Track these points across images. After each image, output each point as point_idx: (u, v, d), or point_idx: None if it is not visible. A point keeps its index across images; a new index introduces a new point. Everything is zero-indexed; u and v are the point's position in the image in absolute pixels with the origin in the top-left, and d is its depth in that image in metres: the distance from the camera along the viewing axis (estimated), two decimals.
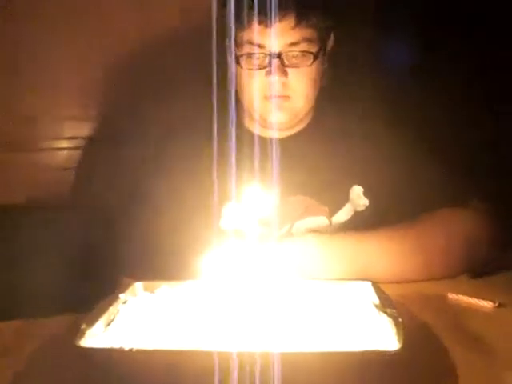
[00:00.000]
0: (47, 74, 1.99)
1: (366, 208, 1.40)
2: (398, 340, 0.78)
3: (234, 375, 0.72)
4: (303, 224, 1.39)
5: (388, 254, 1.23)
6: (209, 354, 0.74)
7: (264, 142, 1.34)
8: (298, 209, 1.40)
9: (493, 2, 2.11)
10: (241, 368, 0.72)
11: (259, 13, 1.24)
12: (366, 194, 1.40)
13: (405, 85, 2.11)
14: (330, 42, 1.41)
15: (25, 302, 1.45)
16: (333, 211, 1.41)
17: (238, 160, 1.20)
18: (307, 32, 1.31)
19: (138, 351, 0.76)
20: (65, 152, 2.06)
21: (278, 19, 1.28)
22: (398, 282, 1.19)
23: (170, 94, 1.95)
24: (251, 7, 1.23)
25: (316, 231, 1.36)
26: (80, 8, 1.98)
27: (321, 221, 1.40)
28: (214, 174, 1.17)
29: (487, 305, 1.07)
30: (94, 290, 1.13)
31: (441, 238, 1.28)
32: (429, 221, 1.30)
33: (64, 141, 2.06)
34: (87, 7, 1.98)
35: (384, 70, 2.19)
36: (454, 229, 1.30)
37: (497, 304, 1.07)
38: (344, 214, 1.41)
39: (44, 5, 1.96)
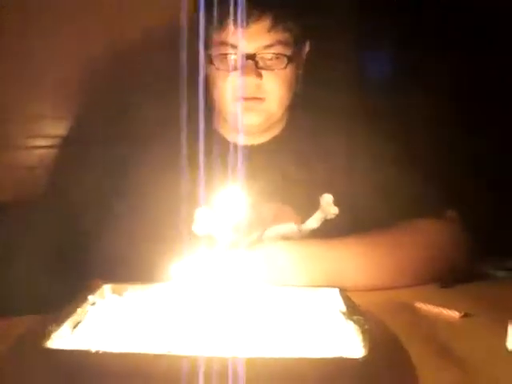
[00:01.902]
0: (24, 71, 1.97)
1: (339, 216, 1.41)
2: (364, 347, 0.78)
3: (200, 380, 0.72)
4: (273, 231, 1.39)
5: (357, 261, 1.24)
6: (176, 358, 0.75)
7: (236, 147, 1.35)
8: (269, 215, 1.40)
9: (476, 12, 2.13)
10: (207, 373, 0.72)
11: (234, 14, 1.24)
12: (339, 202, 1.41)
13: (382, 94, 2.12)
14: (306, 48, 1.42)
15: None
16: (304, 219, 1.42)
17: (209, 165, 1.20)
18: (283, 35, 1.32)
19: (105, 354, 0.76)
20: (39, 151, 2.05)
21: (253, 21, 1.28)
22: (367, 290, 1.19)
23: (144, 97, 1.94)
24: (227, 8, 1.24)
25: (286, 238, 1.37)
26: (60, 5, 1.97)
27: (291, 228, 1.40)
28: (183, 179, 1.18)
29: (453, 314, 1.08)
30: (64, 289, 1.13)
31: (411, 247, 1.29)
32: (400, 230, 1.31)
33: (38, 139, 2.05)
34: (69, 4, 1.97)
35: (362, 79, 2.20)
36: (425, 238, 1.31)
37: (462, 314, 1.08)
38: (314, 222, 1.41)
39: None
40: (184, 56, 1.06)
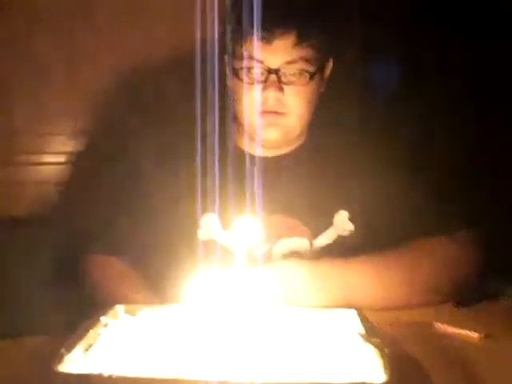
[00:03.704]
0: (35, 89, 1.97)
1: (352, 233, 1.39)
2: (385, 372, 0.76)
3: None
4: (284, 244, 1.38)
5: (372, 281, 1.23)
6: (189, 383, 0.72)
7: (252, 158, 1.35)
8: (280, 228, 1.38)
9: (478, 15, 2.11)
10: None
11: (261, 29, 1.26)
12: (353, 219, 1.39)
13: (395, 111, 2.10)
14: (329, 65, 1.42)
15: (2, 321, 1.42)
16: (315, 234, 1.40)
17: (222, 174, 1.20)
18: (306, 52, 1.32)
19: (118, 378, 0.74)
20: (50, 167, 2.04)
21: (278, 36, 1.30)
22: (382, 310, 1.17)
23: (161, 111, 1.94)
24: (252, 22, 1.24)
25: (297, 253, 1.35)
26: (72, 23, 1.96)
27: (302, 242, 1.39)
28: (196, 186, 1.18)
29: (473, 335, 1.06)
30: (75, 307, 1.12)
31: (425, 267, 1.27)
32: (414, 249, 1.30)
33: (49, 155, 2.04)
34: (81, 22, 1.97)
35: (375, 95, 2.19)
36: (438, 258, 1.29)
37: (482, 335, 1.05)
38: (326, 238, 1.39)
39: (36, 16, 1.94)
40: (211, 66, 1.06)
